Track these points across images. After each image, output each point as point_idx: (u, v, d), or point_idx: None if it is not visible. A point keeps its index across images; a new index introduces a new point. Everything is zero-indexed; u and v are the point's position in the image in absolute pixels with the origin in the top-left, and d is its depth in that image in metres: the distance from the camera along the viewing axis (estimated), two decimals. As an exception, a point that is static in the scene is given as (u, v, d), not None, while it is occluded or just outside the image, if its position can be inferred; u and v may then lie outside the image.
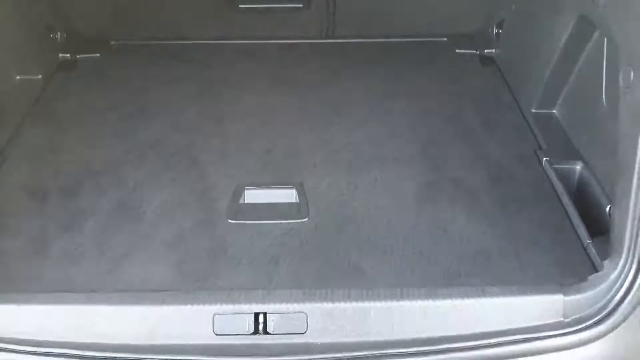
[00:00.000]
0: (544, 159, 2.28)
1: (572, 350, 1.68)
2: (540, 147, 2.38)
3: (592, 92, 2.18)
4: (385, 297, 1.71)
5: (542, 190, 2.18)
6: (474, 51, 3.03)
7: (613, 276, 1.70)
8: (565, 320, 1.70)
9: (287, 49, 3.06)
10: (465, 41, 3.06)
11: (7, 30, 2.65)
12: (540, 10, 2.57)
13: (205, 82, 2.82)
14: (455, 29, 3.10)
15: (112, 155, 2.39)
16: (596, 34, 2.20)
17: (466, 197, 2.16)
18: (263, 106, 2.67)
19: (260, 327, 1.68)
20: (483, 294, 1.73)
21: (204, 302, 1.69)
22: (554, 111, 2.54)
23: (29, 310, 1.71)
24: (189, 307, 1.69)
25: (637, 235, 1.66)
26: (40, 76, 2.80)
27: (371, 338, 1.68)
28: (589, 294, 1.71)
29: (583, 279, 1.75)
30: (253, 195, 2.17)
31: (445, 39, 3.12)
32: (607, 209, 1.94)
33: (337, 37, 3.13)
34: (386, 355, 1.66)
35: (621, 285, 1.69)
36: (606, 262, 1.74)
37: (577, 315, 1.70)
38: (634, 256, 1.67)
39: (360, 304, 1.70)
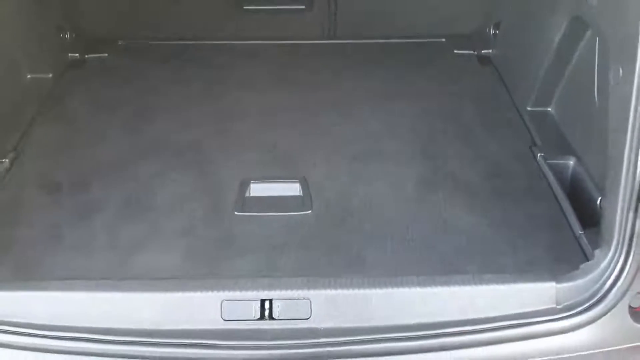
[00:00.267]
0: (539, 154, 2.36)
1: (564, 334, 1.76)
2: (535, 144, 2.45)
3: (585, 90, 2.25)
4: (386, 284, 1.78)
5: (537, 185, 2.26)
6: (472, 51, 3.10)
7: (603, 265, 1.77)
8: (558, 307, 1.77)
9: (290, 50, 3.13)
10: (463, 42, 3.12)
11: (19, 30, 2.73)
12: (535, 12, 2.64)
13: (211, 81, 2.89)
14: (453, 30, 3.17)
15: (121, 151, 2.46)
16: (588, 34, 2.28)
17: (463, 190, 2.24)
18: (267, 104, 2.74)
19: (266, 312, 1.76)
20: (479, 281, 1.80)
21: (212, 289, 1.77)
22: (549, 109, 2.61)
23: (44, 297, 1.79)
24: (198, 294, 1.77)
25: (626, 226, 1.73)
26: (50, 75, 2.88)
27: (372, 323, 1.76)
28: (580, 281, 1.79)
29: (575, 267, 1.83)
30: (258, 189, 2.24)
31: (444, 40, 3.18)
32: (598, 201, 2.02)
33: (338, 38, 3.19)
34: (386, 339, 1.73)
35: (611, 274, 1.76)
36: (597, 252, 1.82)
37: (569, 302, 1.77)
38: (622, 246, 1.75)
39: (361, 291, 1.77)
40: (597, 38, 2.15)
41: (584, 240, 1.98)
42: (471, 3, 3.13)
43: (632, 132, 1.69)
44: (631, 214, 1.72)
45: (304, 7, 3.13)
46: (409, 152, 2.43)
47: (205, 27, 3.17)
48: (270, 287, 1.77)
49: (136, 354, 1.72)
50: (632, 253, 1.74)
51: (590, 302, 1.76)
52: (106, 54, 3.10)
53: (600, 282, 1.77)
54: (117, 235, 2.08)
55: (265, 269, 1.93)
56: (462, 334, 1.75)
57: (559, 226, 2.07)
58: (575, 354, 1.77)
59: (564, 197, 2.16)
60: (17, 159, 2.40)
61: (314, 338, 1.73)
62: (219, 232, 2.08)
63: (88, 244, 2.04)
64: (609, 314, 1.76)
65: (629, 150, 1.70)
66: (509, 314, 1.77)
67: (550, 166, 2.30)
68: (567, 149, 2.36)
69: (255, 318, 1.75)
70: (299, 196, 2.22)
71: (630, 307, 1.77)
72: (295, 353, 1.72)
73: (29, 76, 2.85)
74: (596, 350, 1.77)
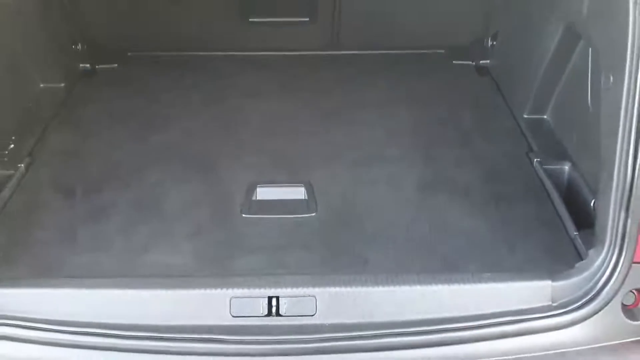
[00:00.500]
0: (535, 160, 2.44)
1: (559, 331, 1.82)
2: (532, 150, 2.53)
3: (580, 98, 2.33)
4: (388, 282, 1.85)
5: (533, 188, 2.33)
6: (470, 62, 3.19)
7: (597, 264, 1.85)
8: (553, 304, 1.84)
9: (295, 60, 3.21)
10: (462, 53, 3.21)
11: (33, 42, 2.82)
12: (530, 23, 2.73)
13: (217, 90, 2.98)
14: (452, 41, 3.25)
15: (132, 157, 2.54)
16: (581, 44, 2.37)
17: (462, 194, 2.32)
18: (272, 112, 2.82)
19: (273, 309, 1.82)
20: (478, 279, 1.88)
21: (221, 287, 1.84)
22: (545, 116, 2.69)
23: (60, 294, 1.86)
24: (208, 291, 1.84)
25: (618, 226, 1.80)
26: (62, 84, 2.97)
27: (375, 319, 1.82)
28: (575, 280, 1.86)
29: (570, 266, 1.90)
30: (265, 193, 2.32)
31: (443, 51, 3.27)
32: (592, 203, 2.09)
33: (341, 49, 3.28)
34: (389, 335, 1.80)
35: (604, 272, 1.83)
36: (591, 251, 1.89)
37: (564, 300, 1.84)
38: (615, 245, 1.82)
39: (364, 289, 1.84)
40: (590, 48, 2.24)
41: (579, 241, 2.05)
42: (469, 16, 3.21)
43: (623, 136, 1.77)
44: (622, 214, 1.79)
45: (307, 19, 3.21)
46: (410, 157, 2.51)
47: (212, 38, 3.25)
48: (277, 285, 1.84)
49: (149, 348, 1.79)
50: (624, 252, 1.81)
51: (585, 300, 1.83)
52: (116, 65, 3.19)
53: (594, 280, 1.84)
54: (129, 237, 2.15)
55: (272, 268, 2.00)
56: (462, 330, 1.81)
57: (554, 227, 2.14)
58: (570, 350, 1.84)
59: (559, 200, 2.24)
60: (32, 164, 2.48)
61: (319, 333, 1.80)
62: (227, 233, 2.16)
63: (101, 245, 2.12)
64: (602, 311, 1.82)
65: (619, 153, 1.78)
66: (507, 310, 1.83)
67: (547, 171, 2.37)
68: (562, 155, 2.44)
69: (262, 314, 1.82)
70: (304, 199, 2.30)
71: (623, 304, 1.84)
72: (301, 348, 1.79)
73: (42, 85, 2.94)
74: (591, 346, 1.84)
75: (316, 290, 1.83)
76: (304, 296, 1.82)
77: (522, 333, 1.82)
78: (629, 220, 1.79)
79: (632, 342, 1.86)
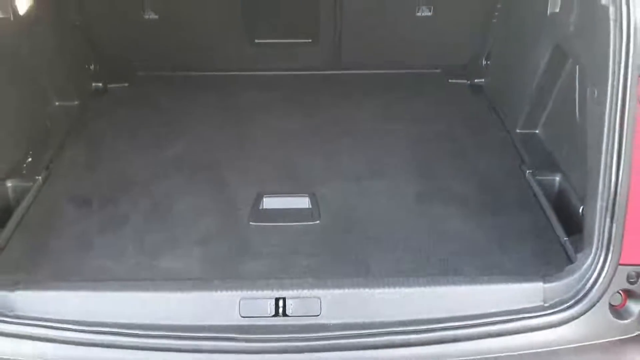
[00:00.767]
0: (527, 171, 2.56)
1: (550, 329, 1.92)
2: (524, 162, 2.65)
3: (569, 113, 2.46)
4: (388, 285, 1.95)
5: (526, 197, 2.45)
6: (465, 81, 3.33)
7: (585, 266, 1.95)
8: (545, 304, 1.94)
9: (298, 79, 3.35)
10: (457, 72, 3.36)
11: (49, 63, 2.97)
12: (522, 43, 2.88)
13: (224, 107, 3.11)
14: (448, 61, 3.40)
15: (143, 169, 2.66)
16: (569, 63, 2.51)
17: (459, 202, 2.43)
18: (277, 127, 2.95)
19: (280, 310, 1.92)
20: (475, 282, 1.98)
21: (231, 289, 1.93)
22: (537, 131, 2.82)
23: (78, 296, 1.96)
24: (218, 293, 1.93)
25: (604, 231, 1.91)
26: (76, 102, 3.11)
27: (376, 319, 1.92)
28: (565, 281, 1.96)
29: (560, 269, 2.00)
30: (271, 202, 2.43)
31: (439, 71, 3.42)
32: (580, 210, 2.21)
33: (342, 69, 3.42)
34: (390, 333, 1.90)
35: (592, 274, 1.94)
36: (580, 255, 2.00)
37: (555, 300, 1.94)
38: (602, 249, 1.93)
39: (366, 290, 1.94)
40: (577, 64, 2.37)
41: (568, 246, 2.15)
42: (464, 37, 3.35)
43: (607, 146, 1.89)
44: (608, 220, 1.90)
45: (310, 40, 3.35)
46: (408, 169, 2.63)
47: (219, 59, 3.39)
48: (283, 287, 1.94)
49: (162, 346, 1.88)
50: (610, 255, 1.91)
51: (574, 300, 1.93)
52: (127, 84, 3.32)
53: (583, 282, 1.94)
54: (142, 243, 2.26)
55: (279, 272, 2.10)
56: (459, 328, 1.90)
57: (545, 233, 2.26)
58: (561, 347, 1.93)
59: (550, 209, 2.35)
60: (49, 176, 2.60)
61: (324, 332, 1.89)
62: (236, 240, 2.27)
63: (115, 251, 2.22)
64: (590, 310, 1.92)
65: (604, 162, 1.89)
66: (502, 310, 1.93)
67: (538, 182, 2.49)
68: (553, 167, 2.56)
69: (270, 315, 1.91)
70: (308, 209, 2.41)
71: (610, 304, 1.94)
72: (307, 346, 1.87)
73: (57, 103, 3.08)
74: (580, 344, 1.93)
75: (321, 292, 1.92)
76: (309, 297, 1.92)
77: (516, 331, 1.92)
78: (614, 226, 1.89)
79: (619, 340, 1.95)
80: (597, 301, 1.92)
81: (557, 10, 2.44)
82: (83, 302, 1.94)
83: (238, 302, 1.91)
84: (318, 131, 2.93)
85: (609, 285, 1.92)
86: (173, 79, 3.37)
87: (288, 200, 2.44)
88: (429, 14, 3.17)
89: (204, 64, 3.40)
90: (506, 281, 1.99)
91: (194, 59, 3.40)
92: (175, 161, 2.72)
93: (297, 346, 1.88)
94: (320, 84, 3.34)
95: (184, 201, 2.47)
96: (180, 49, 3.35)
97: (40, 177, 2.55)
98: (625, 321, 1.95)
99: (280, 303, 1.93)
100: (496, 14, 3.18)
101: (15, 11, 2.60)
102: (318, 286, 1.95)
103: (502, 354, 1.91)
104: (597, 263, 1.93)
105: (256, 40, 3.32)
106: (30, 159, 2.66)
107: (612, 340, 1.95)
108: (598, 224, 1.92)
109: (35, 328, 1.89)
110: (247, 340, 1.87)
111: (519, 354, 1.91)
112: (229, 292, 1.93)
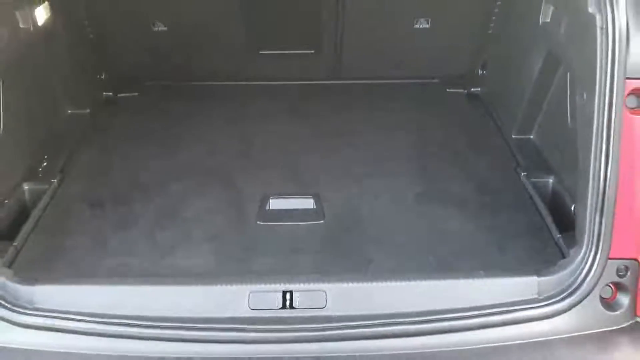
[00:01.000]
0: (522, 173, 2.67)
1: (544, 320, 2.01)
2: (519, 165, 2.76)
3: (561, 119, 2.56)
4: (390, 279, 2.05)
5: (521, 198, 2.56)
6: (462, 90, 3.45)
7: (577, 261, 2.04)
8: (539, 297, 2.03)
9: (301, 88, 3.47)
10: (455, 81, 3.47)
11: (62, 73, 3.08)
12: (516, 52, 2.99)
13: (231, 114, 3.22)
14: (445, 71, 3.51)
15: (154, 172, 2.76)
16: (560, 70, 2.62)
17: (457, 203, 2.54)
18: (282, 134, 3.07)
19: (288, 302, 2.00)
20: (473, 276, 2.07)
21: (240, 283, 2.02)
22: (531, 137, 2.93)
23: (95, 290, 2.05)
24: (228, 287, 2.02)
25: (594, 227, 2.01)
26: (88, 110, 3.22)
27: (379, 311, 2.01)
28: (558, 275, 2.05)
29: (554, 264, 2.10)
30: (277, 203, 2.54)
31: (437, 80, 3.54)
32: (572, 208, 2.31)
33: (343, 79, 3.53)
34: (391, 324, 1.98)
35: (583, 268, 2.03)
36: (572, 251, 2.09)
37: (549, 293, 2.03)
38: (592, 245, 2.02)
39: (369, 284, 2.04)
40: (568, 70, 2.49)
41: (561, 242, 2.25)
42: (460, 49, 3.46)
43: (596, 147, 1.99)
44: (597, 217, 2.00)
45: (312, 51, 3.45)
46: (408, 172, 2.74)
47: (225, 69, 3.49)
48: (290, 281, 2.03)
49: (176, 336, 1.97)
50: (599, 250, 2.01)
51: (567, 293, 2.02)
52: (136, 93, 3.43)
53: (575, 275, 2.03)
54: (153, 242, 2.36)
55: (286, 267, 2.20)
56: (458, 319, 1.99)
57: (540, 231, 2.36)
58: (554, 337, 2.01)
59: (544, 208, 2.46)
60: (63, 179, 2.70)
61: (329, 324, 1.98)
62: (244, 238, 2.37)
63: (129, 249, 2.32)
64: (582, 303, 2.01)
65: (593, 163, 2.00)
66: (499, 303, 2.02)
67: (533, 183, 2.60)
68: (547, 169, 2.66)
69: (278, 307, 2.00)
70: (313, 209, 2.52)
71: (601, 297, 2.04)
72: (313, 336, 1.96)
73: (69, 112, 3.19)
74: (572, 334, 2.02)
75: (326, 286, 2.01)
76: (315, 290, 2.00)
77: (512, 322, 2.00)
78: (603, 222, 1.99)
79: (610, 330, 2.03)
80: (589, 294, 2.01)
81: (549, 20, 2.56)
82: (100, 296, 2.03)
83: (248, 295, 2.00)
84: (321, 136, 3.04)
85: (599, 278, 2.02)
86: (180, 89, 3.48)
87: (293, 201, 2.55)
88: (427, 26, 3.27)
89: (211, 75, 3.51)
90: (503, 275, 2.08)
91: (200, 69, 3.50)
92: (184, 165, 2.82)
93: (303, 336, 1.96)
94: (322, 92, 3.45)
95: (194, 202, 2.57)
96: (188, 60, 3.46)
97: (55, 180, 2.65)
98: (616, 312, 2.04)
99: (288, 296, 2.01)
100: (491, 25, 3.29)
101: (35, 22, 2.71)
102: (323, 280, 2.04)
103: (499, 344, 1.99)
104: (588, 258, 2.03)
105: (261, 52, 3.42)
106: (45, 163, 2.76)
107: (603, 331, 2.03)
108: (588, 221, 2.02)
109: (54, 320, 1.97)
110: (256, 331, 1.96)
111: (515, 344, 1.99)
112: (239, 286, 2.02)
